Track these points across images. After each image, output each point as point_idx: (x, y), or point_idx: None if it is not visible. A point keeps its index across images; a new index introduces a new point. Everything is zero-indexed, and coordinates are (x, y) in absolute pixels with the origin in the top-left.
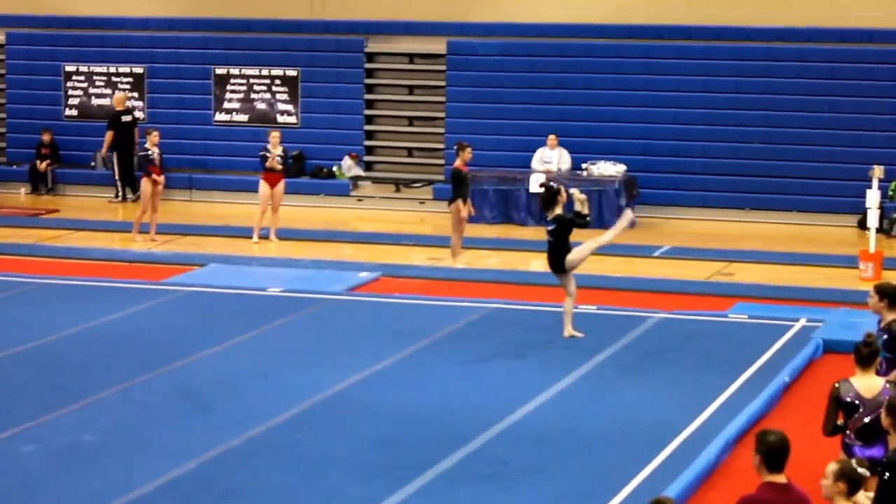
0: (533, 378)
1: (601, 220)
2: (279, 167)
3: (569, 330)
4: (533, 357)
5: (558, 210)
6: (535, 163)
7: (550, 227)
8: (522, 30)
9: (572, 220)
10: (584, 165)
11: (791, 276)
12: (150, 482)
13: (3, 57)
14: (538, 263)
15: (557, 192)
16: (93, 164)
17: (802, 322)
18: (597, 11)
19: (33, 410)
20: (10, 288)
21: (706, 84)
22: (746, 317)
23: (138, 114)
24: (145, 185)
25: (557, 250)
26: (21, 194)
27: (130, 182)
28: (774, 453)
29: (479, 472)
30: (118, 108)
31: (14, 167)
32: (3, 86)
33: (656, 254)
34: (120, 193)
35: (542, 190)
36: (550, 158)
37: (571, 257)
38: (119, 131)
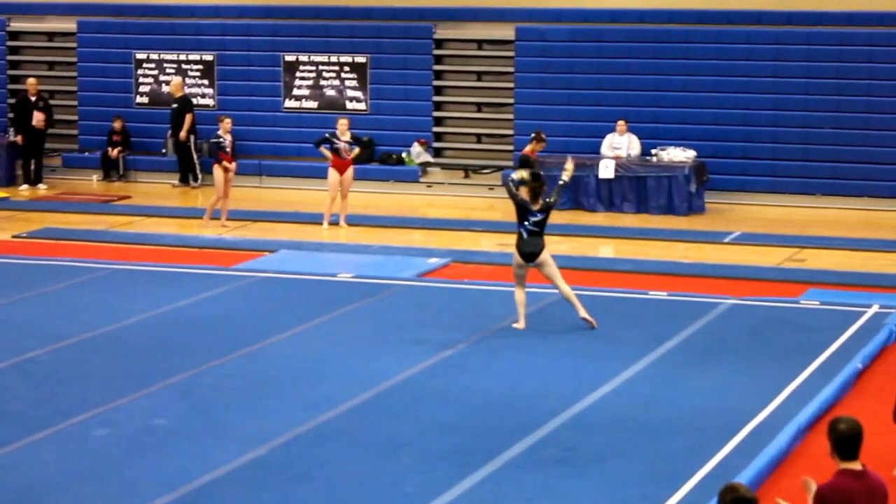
0: (602, 364)
1: (671, 207)
2: (350, 155)
3: (583, 312)
4: (603, 343)
5: (541, 200)
6: (605, 149)
7: (539, 217)
8: (591, 15)
9: (551, 206)
10: (653, 151)
11: (863, 262)
12: (222, 466)
13: (75, 45)
14: (608, 249)
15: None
16: (163, 150)
17: (875, 308)
18: None
19: (105, 395)
20: (83, 274)
21: (776, 69)
22: (818, 303)
23: (210, 101)
24: (217, 172)
25: (540, 238)
26: (93, 181)
27: (193, 168)
28: (846, 441)
29: (548, 458)
30: (180, 94)
31: (86, 154)
32: (75, 74)
33: (727, 240)
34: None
35: (526, 177)
36: (620, 144)
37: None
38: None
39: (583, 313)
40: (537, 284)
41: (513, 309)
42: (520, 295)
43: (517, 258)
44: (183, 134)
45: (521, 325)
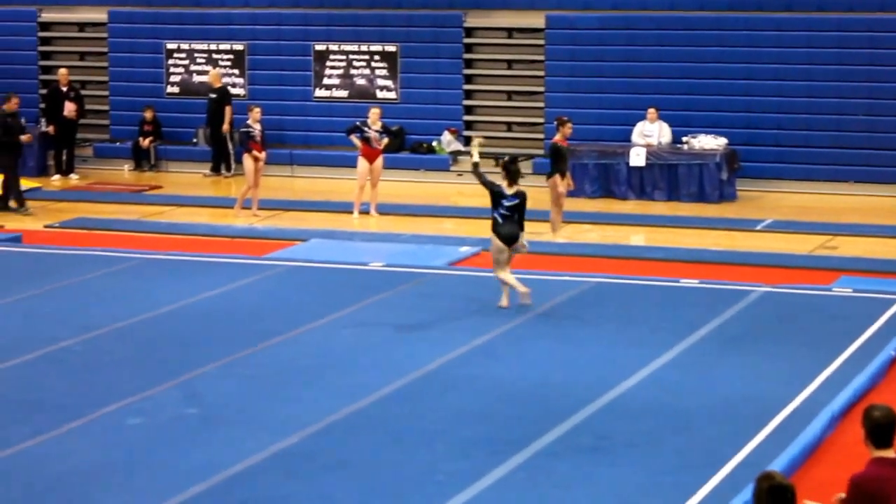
0: (635, 352)
1: (702, 195)
2: (380, 144)
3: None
4: (634, 331)
5: (517, 185)
6: (636, 136)
7: (514, 202)
8: (621, 2)
9: (525, 199)
10: (684, 139)
11: None
12: (255, 455)
13: (105, 35)
14: (639, 238)
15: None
16: (194, 140)
17: None
18: None
19: (138, 384)
20: (115, 263)
21: (808, 56)
22: (851, 290)
23: (240, 91)
24: (247, 161)
25: (515, 224)
26: (125, 171)
27: (227, 158)
28: (880, 428)
29: (581, 446)
30: (218, 85)
31: (118, 144)
32: (106, 64)
33: (759, 227)
34: (227, 168)
35: (480, 152)
36: (651, 132)
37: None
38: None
39: (524, 299)
40: (568, 272)
41: (546, 296)
42: (505, 274)
43: (497, 243)
44: (226, 126)
45: (504, 302)
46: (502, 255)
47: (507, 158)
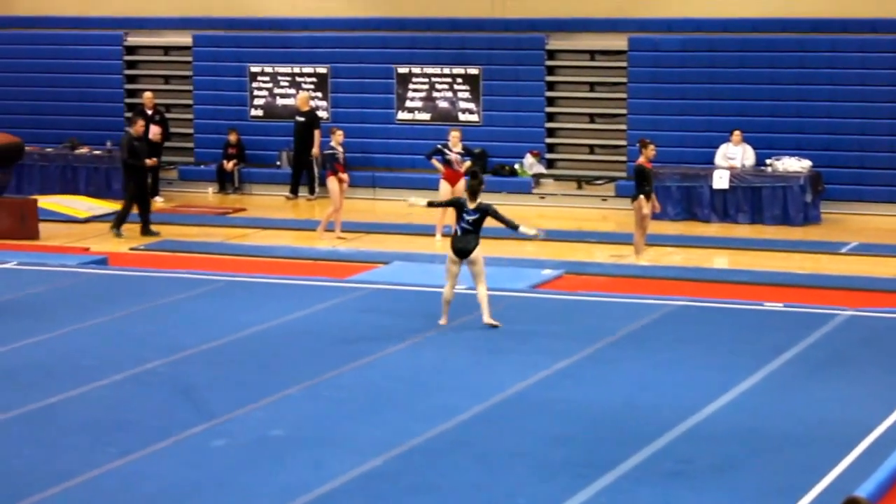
0: (718, 376)
1: (786, 217)
2: (461, 167)
3: (487, 317)
4: (718, 355)
5: (479, 199)
6: (719, 159)
7: (474, 217)
8: (704, 24)
9: (492, 211)
10: (767, 161)
11: None
12: (338, 477)
13: (190, 59)
14: (723, 260)
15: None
16: (278, 163)
17: None
18: (779, 5)
19: (222, 406)
20: (199, 286)
21: (891, 77)
22: None
23: (323, 113)
24: (332, 183)
25: (473, 237)
26: (209, 193)
27: (311, 181)
28: None
29: (664, 470)
30: (306, 109)
31: (202, 167)
32: (190, 87)
33: (843, 250)
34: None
35: (469, 177)
36: (734, 154)
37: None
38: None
39: (487, 319)
40: (652, 295)
41: (629, 319)
42: (447, 292)
43: (450, 254)
44: (315, 150)
45: (443, 321)
46: (453, 266)
47: (470, 171)
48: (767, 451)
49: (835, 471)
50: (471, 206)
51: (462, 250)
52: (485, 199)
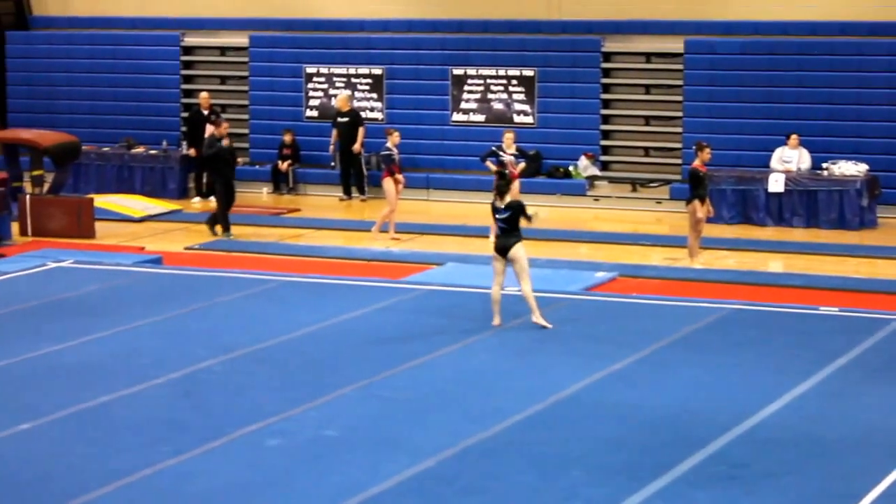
0: (773, 380)
1: (843, 221)
2: (516, 169)
3: (536, 316)
4: (773, 359)
5: (509, 198)
6: (775, 162)
7: (505, 215)
8: (762, 27)
9: (523, 207)
10: (824, 165)
11: None
12: (392, 478)
13: (246, 59)
14: (777, 264)
15: (511, 180)
16: (332, 164)
17: None
18: (838, 8)
19: (277, 405)
20: (254, 286)
21: None
22: None
23: (378, 115)
24: (388, 183)
25: (511, 235)
26: (263, 194)
27: (361, 182)
28: None
29: (719, 474)
30: (347, 109)
31: (257, 167)
32: (246, 88)
33: None
34: (361, 191)
35: (497, 177)
36: (790, 158)
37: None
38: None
39: (536, 318)
40: (706, 299)
41: (683, 323)
42: (495, 291)
43: (493, 252)
44: (357, 146)
45: (497, 321)
46: (496, 264)
47: (497, 172)
48: (823, 455)
49: (890, 477)
50: (500, 205)
51: (502, 247)
52: (539, 200)
